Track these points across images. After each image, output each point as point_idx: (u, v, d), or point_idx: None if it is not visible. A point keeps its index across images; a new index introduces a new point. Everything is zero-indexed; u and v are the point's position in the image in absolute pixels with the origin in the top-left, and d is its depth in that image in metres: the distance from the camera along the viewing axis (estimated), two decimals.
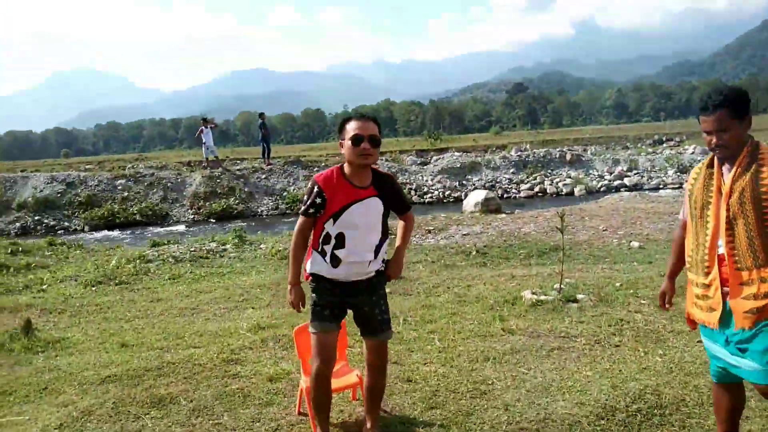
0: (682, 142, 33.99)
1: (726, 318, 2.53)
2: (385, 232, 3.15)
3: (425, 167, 25.90)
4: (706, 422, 3.34)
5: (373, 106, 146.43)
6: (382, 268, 3.18)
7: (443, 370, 4.30)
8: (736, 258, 2.44)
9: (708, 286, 2.55)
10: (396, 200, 3.18)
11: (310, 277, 3.14)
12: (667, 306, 2.96)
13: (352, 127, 2.98)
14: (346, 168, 3.06)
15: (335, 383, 3.48)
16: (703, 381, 3.80)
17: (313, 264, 3.11)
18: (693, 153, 27.58)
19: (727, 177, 2.49)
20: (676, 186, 22.29)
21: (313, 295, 3.13)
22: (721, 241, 2.49)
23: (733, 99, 2.45)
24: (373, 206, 3.06)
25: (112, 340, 5.67)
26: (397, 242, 3.29)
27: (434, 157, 27.74)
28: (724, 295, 2.51)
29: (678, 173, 23.95)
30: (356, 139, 2.94)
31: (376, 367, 3.21)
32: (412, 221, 3.40)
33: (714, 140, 2.48)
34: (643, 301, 5.67)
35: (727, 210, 2.45)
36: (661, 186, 22.79)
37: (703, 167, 2.65)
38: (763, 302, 2.40)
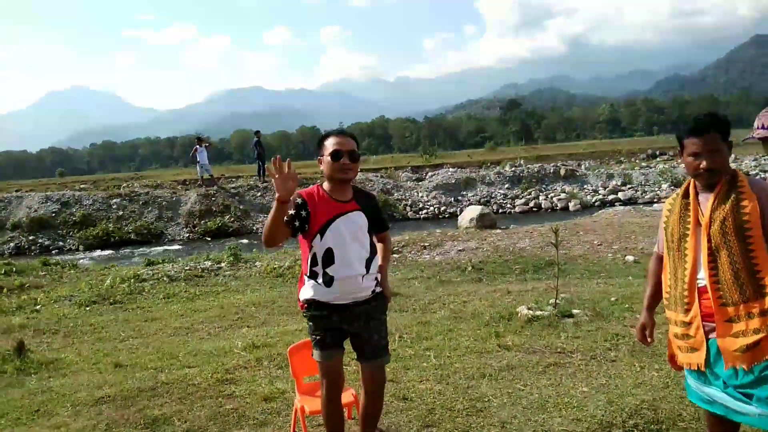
0: (675, 155, 34.21)
1: (714, 358, 2.35)
2: (373, 247, 3.15)
3: (420, 183, 25.97)
4: None
5: (368, 124, 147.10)
6: (378, 290, 3.16)
7: (439, 387, 4.28)
8: (721, 292, 2.29)
9: (689, 323, 2.38)
10: (376, 217, 3.18)
11: (305, 306, 3.11)
12: (649, 340, 2.74)
13: (331, 143, 3.01)
14: (326, 185, 3.09)
15: None
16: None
17: (306, 291, 3.08)
18: None
19: (705, 206, 2.36)
20: None
21: (311, 323, 3.09)
22: (702, 274, 2.34)
23: (723, 122, 2.36)
24: (357, 219, 3.06)
25: (105, 361, 5.63)
26: (380, 261, 3.25)
27: (429, 173, 27.84)
28: (707, 332, 2.35)
29: (672, 187, 24.06)
30: (336, 155, 2.97)
31: (373, 391, 3.18)
32: (390, 242, 3.41)
33: (704, 164, 2.31)
34: (638, 316, 5.64)
35: (709, 241, 2.31)
36: (655, 200, 22.87)
37: (677, 198, 2.50)
38: (752, 338, 2.24)
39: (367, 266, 3.07)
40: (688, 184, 2.48)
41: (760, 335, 2.22)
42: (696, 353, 2.38)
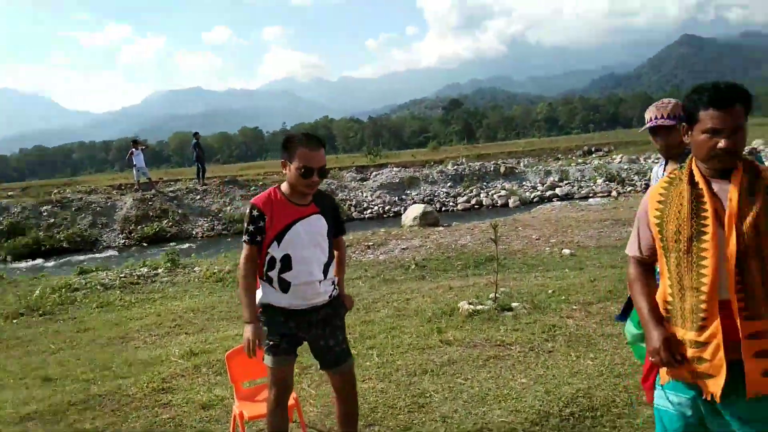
0: (610, 152, 35.55)
1: (731, 386, 1.89)
2: (332, 251, 3.07)
3: (365, 183, 26.00)
4: (635, 421, 3.44)
5: (311, 124, 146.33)
6: (335, 293, 3.09)
7: (382, 385, 4.27)
8: (747, 303, 1.87)
9: (704, 344, 1.92)
10: (335, 220, 3.11)
11: (260, 309, 3.01)
12: (678, 357, 1.97)
13: (301, 157, 2.82)
14: (286, 188, 2.96)
15: None
16: (632, 382, 3.91)
17: (261, 294, 2.99)
18: (620, 162, 28.89)
19: (729, 198, 1.90)
20: (605, 194, 23.24)
21: (265, 328, 2.99)
22: (724, 282, 1.88)
23: (749, 96, 1.92)
24: (317, 223, 2.97)
25: (33, 375, 5.36)
26: (336, 274, 3.17)
27: (374, 173, 27.88)
28: (729, 354, 1.89)
29: (606, 182, 24.99)
30: (306, 172, 2.83)
31: (345, 396, 3.12)
32: (344, 246, 3.33)
33: (723, 143, 1.87)
34: (574, 307, 5.84)
35: (738, 241, 1.85)
36: (590, 195, 23.68)
37: (679, 184, 1.99)
38: None
39: (325, 271, 2.99)
40: (690, 167, 2.00)
41: None
42: (712, 380, 1.92)
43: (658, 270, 2.15)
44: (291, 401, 3.54)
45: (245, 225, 2.92)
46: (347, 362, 3.10)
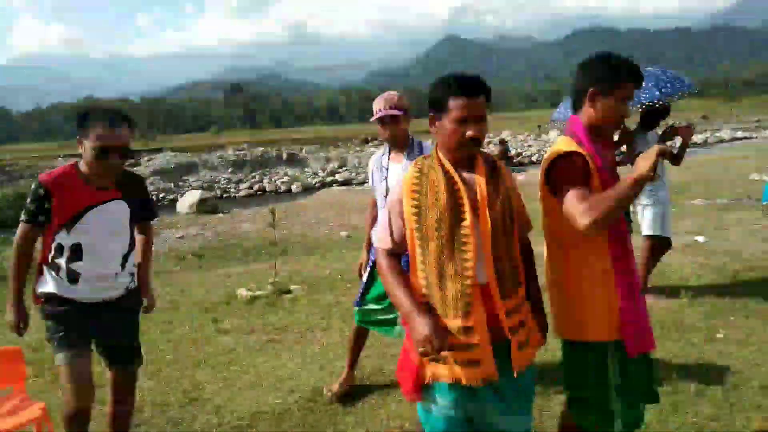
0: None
1: (499, 366, 1.95)
2: (133, 240, 2.76)
3: (136, 169, 24.17)
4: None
5: (72, 104, 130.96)
6: (134, 285, 2.78)
7: (150, 383, 4.00)
8: (501, 286, 1.96)
9: (471, 329, 1.92)
10: (142, 206, 2.79)
11: (42, 301, 2.61)
12: (448, 343, 1.92)
13: (98, 135, 2.47)
14: (84, 167, 2.56)
15: (13, 420, 2.97)
16: (397, 350, 4.20)
17: (44, 283, 2.59)
18: None
19: (478, 186, 1.96)
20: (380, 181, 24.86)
21: (49, 322, 2.60)
22: (482, 266, 1.94)
23: (489, 89, 1.99)
24: (117, 210, 2.63)
25: None
26: (140, 259, 2.86)
27: (147, 158, 26.08)
28: (493, 336, 1.95)
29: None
30: (102, 152, 2.47)
31: (123, 398, 2.83)
32: (153, 233, 3.03)
33: (472, 132, 1.91)
34: (348, 285, 6.10)
35: (493, 226, 1.93)
36: (366, 181, 25.13)
37: (435, 174, 1.98)
38: (526, 334, 2.04)
39: (123, 263, 2.67)
40: (438, 157, 2.01)
41: (527, 329, 2.05)
42: (480, 368, 1.94)
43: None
44: (38, 412, 3.14)
45: (27, 202, 2.55)
46: (136, 362, 2.87)
